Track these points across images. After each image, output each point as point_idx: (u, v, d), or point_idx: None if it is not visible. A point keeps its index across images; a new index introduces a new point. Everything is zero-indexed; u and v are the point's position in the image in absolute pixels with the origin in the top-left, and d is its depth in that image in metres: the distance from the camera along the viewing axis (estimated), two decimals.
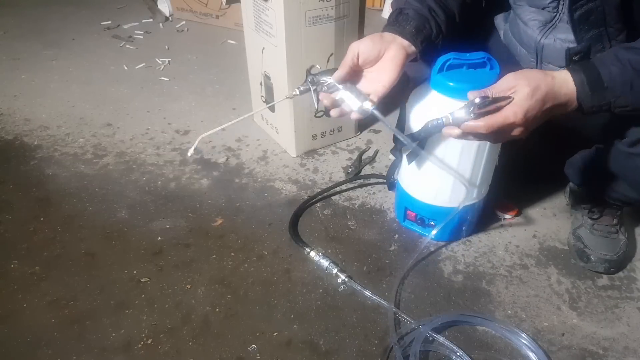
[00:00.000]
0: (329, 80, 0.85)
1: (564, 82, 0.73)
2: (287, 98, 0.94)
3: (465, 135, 0.75)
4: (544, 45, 0.91)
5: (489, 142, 0.93)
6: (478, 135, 0.74)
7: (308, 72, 0.88)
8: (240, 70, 1.64)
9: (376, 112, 0.83)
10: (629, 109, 0.74)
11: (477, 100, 0.71)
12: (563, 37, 0.88)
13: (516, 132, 0.73)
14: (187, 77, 1.79)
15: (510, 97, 0.71)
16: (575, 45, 0.86)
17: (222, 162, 1.36)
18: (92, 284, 1.01)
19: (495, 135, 0.73)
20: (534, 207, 1.22)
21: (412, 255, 1.06)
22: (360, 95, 0.83)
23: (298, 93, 0.88)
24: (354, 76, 0.86)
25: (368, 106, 0.82)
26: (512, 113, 0.70)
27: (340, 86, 0.84)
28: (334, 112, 0.87)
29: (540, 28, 0.91)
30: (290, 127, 1.32)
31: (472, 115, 0.71)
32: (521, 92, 0.71)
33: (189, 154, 0.96)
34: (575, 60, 0.75)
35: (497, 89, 0.73)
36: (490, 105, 0.70)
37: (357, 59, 0.84)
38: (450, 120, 0.75)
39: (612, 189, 0.98)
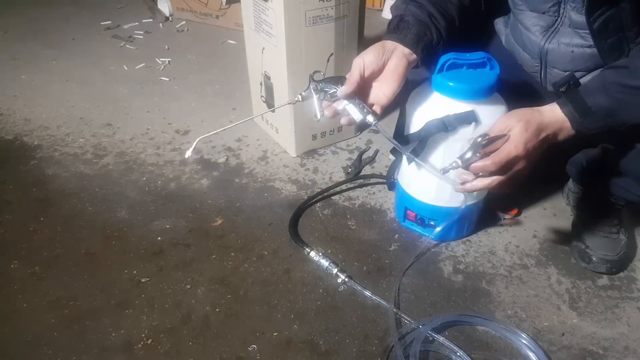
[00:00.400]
0: (333, 89, 0.85)
1: (551, 114, 0.79)
2: (288, 103, 0.95)
3: (477, 173, 0.83)
4: (549, 50, 0.91)
5: None
6: (487, 172, 0.81)
7: (311, 78, 0.87)
8: (240, 70, 1.64)
9: (379, 127, 0.86)
10: (626, 127, 0.77)
11: (479, 139, 0.80)
12: (567, 41, 0.88)
13: (521, 164, 0.79)
14: (187, 77, 1.79)
15: (507, 135, 0.78)
16: (580, 49, 0.88)
17: (222, 162, 1.36)
18: (92, 284, 1.01)
19: (503, 169, 0.79)
20: (534, 207, 1.22)
21: (412, 255, 1.07)
22: (364, 109, 0.84)
23: (300, 99, 0.88)
24: (360, 89, 0.86)
25: (371, 120, 0.85)
26: (513, 147, 0.78)
27: (345, 99, 0.85)
28: (343, 120, 0.88)
29: (543, 33, 0.91)
30: (290, 127, 1.32)
31: (477, 155, 0.80)
32: (516, 128, 0.78)
33: (187, 156, 0.97)
34: (563, 91, 0.78)
35: (494, 130, 0.80)
36: (491, 145, 0.79)
37: (364, 72, 0.84)
38: (460, 164, 0.82)
39: (620, 187, 0.98)
